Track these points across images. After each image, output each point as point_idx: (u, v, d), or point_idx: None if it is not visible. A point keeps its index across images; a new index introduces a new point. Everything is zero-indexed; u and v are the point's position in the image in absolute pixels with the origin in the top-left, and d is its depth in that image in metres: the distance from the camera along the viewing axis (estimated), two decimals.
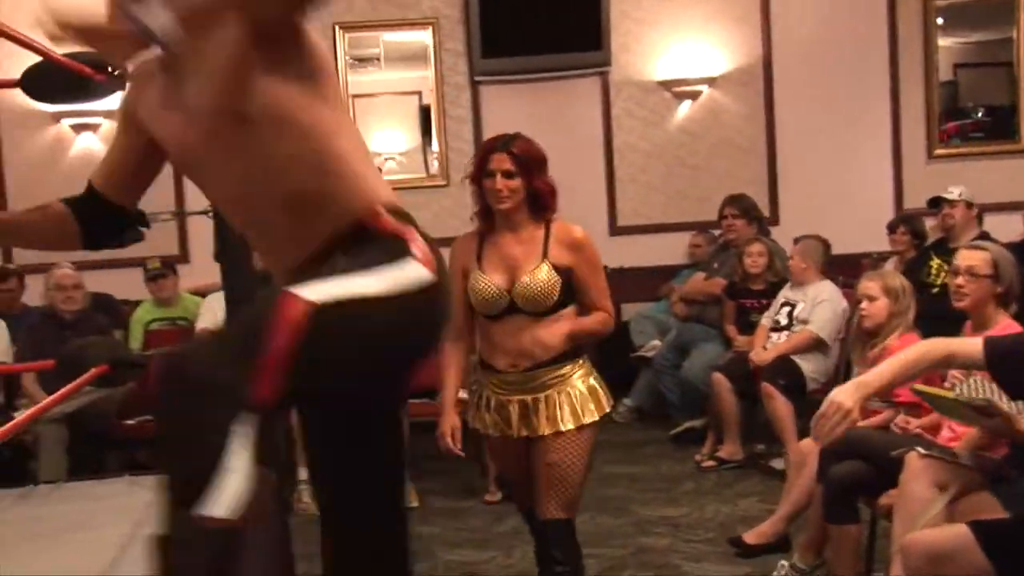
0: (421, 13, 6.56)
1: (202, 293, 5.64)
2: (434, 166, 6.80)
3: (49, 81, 3.05)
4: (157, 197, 2.30)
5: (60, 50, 2.69)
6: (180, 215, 5.98)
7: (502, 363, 2.98)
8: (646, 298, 6.43)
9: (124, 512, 2.71)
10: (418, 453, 4.69)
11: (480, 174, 3.01)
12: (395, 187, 6.13)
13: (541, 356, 2.95)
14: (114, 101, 2.98)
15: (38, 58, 2.90)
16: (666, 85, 6.72)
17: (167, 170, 2.11)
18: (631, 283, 6.32)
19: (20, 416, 4.56)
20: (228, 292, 3.33)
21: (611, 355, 6.20)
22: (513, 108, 6.53)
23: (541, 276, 2.93)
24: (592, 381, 3.03)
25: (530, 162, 2.96)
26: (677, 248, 6.47)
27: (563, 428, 2.94)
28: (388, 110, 7.02)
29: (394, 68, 6.93)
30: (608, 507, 4.59)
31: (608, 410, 3.07)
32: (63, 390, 3.01)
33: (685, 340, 5.80)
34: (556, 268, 2.93)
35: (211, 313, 5.23)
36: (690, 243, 6.48)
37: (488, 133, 6.45)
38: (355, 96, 6.69)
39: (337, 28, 6.48)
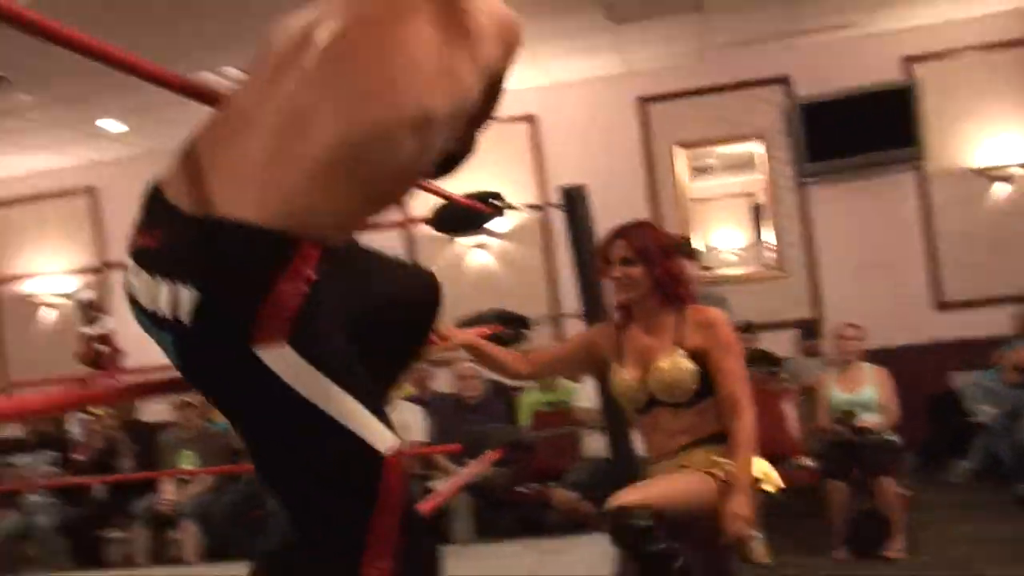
0: (750, 129, 7.36)
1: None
2: (769, 259, 7.47)
3: (451, 217, 3.58)
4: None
5: (455, 190, 3.60)
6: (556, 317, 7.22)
7: (655, 454, 2.92)
8: (976, 366, 6.69)
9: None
10: (768, 515, 5.40)
11: (603, 264, 2.97)
12: (737, 280, 7.11)
13: (687, 442, 2.84)
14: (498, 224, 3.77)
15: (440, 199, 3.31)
16: (980, 172, 7.08)
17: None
18: (958, 353, 6.82)
19: (434, 485, 5.93)
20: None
21: (943, 419, 6.77)
22: (837, 203, 7.22)
23: (672, 363, 2.82)
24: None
25: (651, 249, 2.87)
26: (1003, 320, 6.69)
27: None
28: (724, 211, 7.88)
29: (728, 174, 7.78)
30: (955, 567, 4.68)
31: (772, 490, 2.87)
32: (472, 468, 3.49)
33: (1018, 405, 6.23)
34: (689, 354, 2.82)
35: (586, 395, 5.85)
36: (1013, 314, 6.85)
37: (816, 228, 7.26)
38: (694, 200, 7.63)
39: (675, 147, 7.53)
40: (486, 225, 3.66)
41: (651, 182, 7.57)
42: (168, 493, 6.39)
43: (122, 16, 5.19)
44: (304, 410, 1.39)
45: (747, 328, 6.68)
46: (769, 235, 7.48)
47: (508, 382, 7.04)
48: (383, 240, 6.77)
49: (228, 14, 5.37)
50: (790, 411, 5.85)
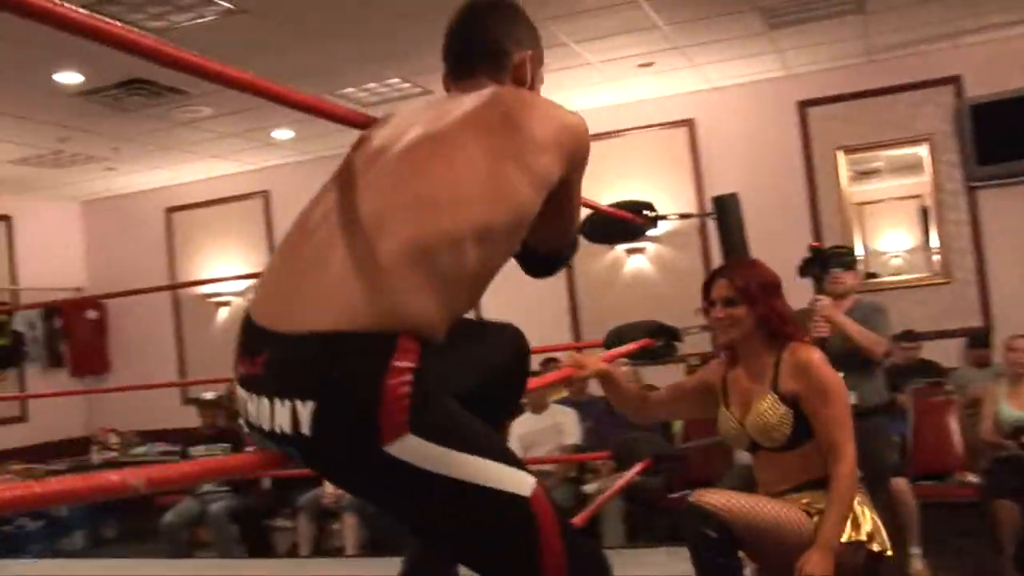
0: (916, 132, 7.13)
1: None
2: (935, 264, 7.21)
3: (603, 227, 3.63)
4: None
5: (606, 202, 3.51)
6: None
7: (764, 495, 2.84)
8: None
9: None
10: (929, 531, 5.30)
11: (706, 304, 2.93)
12: (898, 286, 6.93)
13: (789, 486, 2.80)
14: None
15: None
16: None
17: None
18: None
19: (588, 488, 6.02)
20: None
21: None
22: (1008, 207, 6.91)
23: (765, 406, 2.78)
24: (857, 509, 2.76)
25: (752, 288, 2.82)
26: None
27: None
28: (889, 214, 7.60)
29: (893, 176, 7.52)
30: None
31: (877, 548, 2.76)
32: (625, 477, 3.60)
33: None
34: (783, 397, 2.76)
35: None
36: None
37: (985, 234, 6.97)
38: (858, 204, 7.45)
39: (837, 151, 7.35)
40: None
41: (811, 187, 7.42)
42: (331, 487, 6.66)
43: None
44: (442, 485, 1.47)
45: (909, 336, 6.49)
46: (936, 240, 7.22)
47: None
48: None
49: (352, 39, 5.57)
50: (954, 425, 5.67)
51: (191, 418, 7.73)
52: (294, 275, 1.57)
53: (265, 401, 1.49)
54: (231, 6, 4.99)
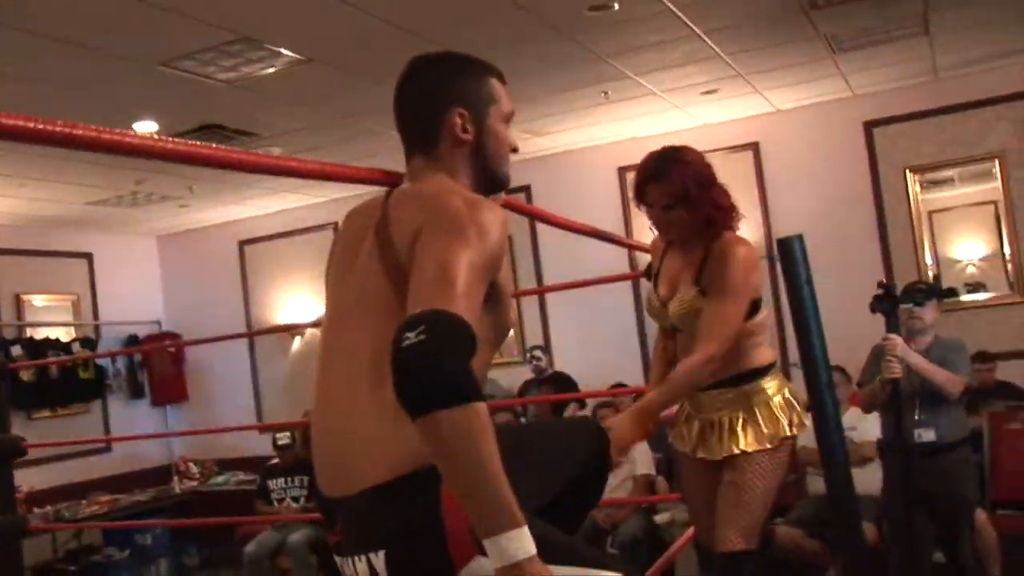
0: (986, 149, 7.01)
1: None
2: (1010, 274, 7.06)
3: None
4: None
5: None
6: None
7: None
8: None
9: None
10: (1014, 562, 5.20)
11: (639, 200, 2.79)
12: (974, 306, 6.74)
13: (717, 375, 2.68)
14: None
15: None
16: None
17: None
18: None
19: (659, 519, 6.05)
20: None
21: None
22: None
23: (688, 297, 2.72)
24: (779, 400, 2.74)
25: (692, 189, 2.66)
26: None
27: (736, 451, 2.70)
28: (964, 221, 7.36)
29: (965, 185, 7.31)
30: None
31: (794, 432, 2.74)
32: None
33: None
34: (703, 291, 2.69)
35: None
36: None
37: None
38: (932, 212, 7.31)
39: (908, 171, 7.26)
40: None
41: (879, 206, 7.33)
42: None
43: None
44: None
45: (983, 358, 6.38)
46: (1009, 250, 7.09)
47: None
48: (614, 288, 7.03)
49: None
50: None
51: (267, 445, 7.87)
52: (326, 438, 1.66)
53: (352, 563, 1.58)
54: (300, 56, 5.12)
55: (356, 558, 1.56)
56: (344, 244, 1.81)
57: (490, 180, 1.83)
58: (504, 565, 1.37)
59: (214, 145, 1.68)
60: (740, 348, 2.71)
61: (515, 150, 1.88)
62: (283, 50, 5.02)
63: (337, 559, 1.65)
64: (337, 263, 1.81)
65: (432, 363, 1.34)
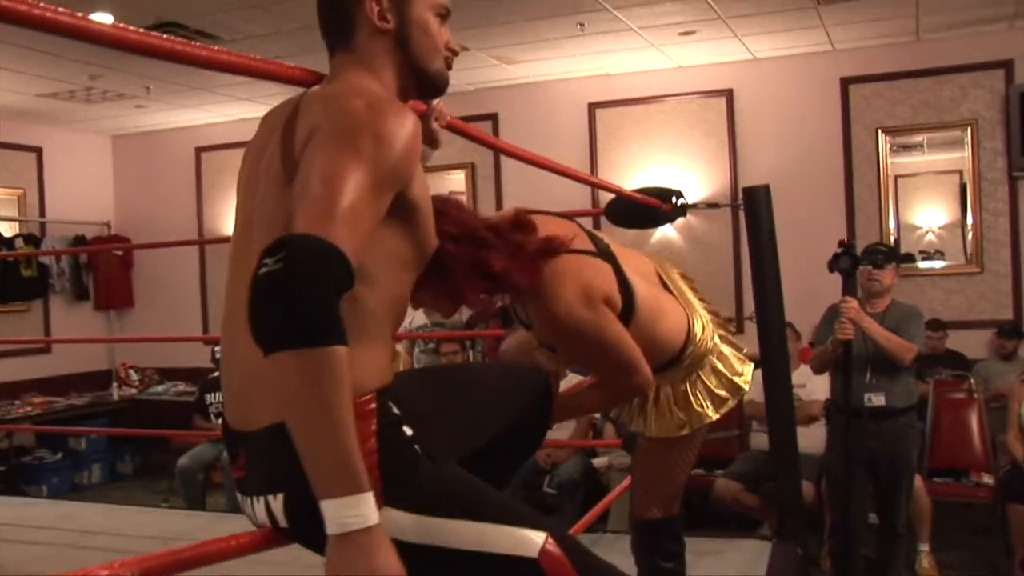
0: (960, 116, 6.95)
1: None
2: (969, 245, 7.03)
3: (625, 211, 3.68)
4: None
5: (638, 174, 3.58)
6: None
7: None
8: None
9: None
10: (944, 528, 5.25)
11: None
12: (930, 274, 6.78)
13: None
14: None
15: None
16: None
17: None
18: None
19: (596, 462, 6.03)
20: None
21: None
22: None
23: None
24: (704, 382, 2.43)
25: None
26: None
27: (650, 434, 2.49)
28: (929, 188, 7.33)
29: (934, 152, 7.27)
30: None
31: (702, 421, 2.43)
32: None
33: None
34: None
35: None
36: None
37: None
38: (898, 176, 7.25)
39: (880, 131, 7.19)
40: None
41: (847, 164, 7.26)
42: None
43: None
44: (435, 556, 1.38)
45: (935, 325, 6.38)
46: (973, 223, 7.05)
47: None
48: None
49: None
50: (974, 424, 5.59)
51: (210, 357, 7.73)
52: (233, 372, 1.51)
53: (252, 502, 1.47)
54: None
55: (255, 499, 1.44)
56: (254, 149, 1.64)
57: (420, 79, 1.64)
58: (336, 533, 1.23)
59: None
60: (652, 346, 2.29)
61: (453, 51, 1.68)
62: None
63: (239, 497, 1.52)
64: (246, 170, 1.65)
65: (284, 296, 1.18)
